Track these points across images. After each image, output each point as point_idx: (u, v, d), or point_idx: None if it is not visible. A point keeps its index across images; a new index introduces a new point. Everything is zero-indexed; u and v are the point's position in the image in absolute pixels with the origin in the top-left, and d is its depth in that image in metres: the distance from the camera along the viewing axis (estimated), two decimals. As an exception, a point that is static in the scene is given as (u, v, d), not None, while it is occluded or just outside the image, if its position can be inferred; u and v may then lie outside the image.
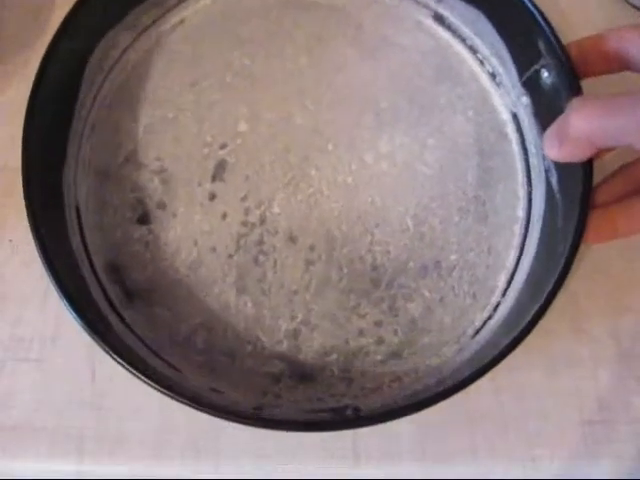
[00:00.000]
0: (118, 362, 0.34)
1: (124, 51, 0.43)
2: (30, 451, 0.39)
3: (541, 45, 0.39)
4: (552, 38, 0.38)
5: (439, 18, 0.45)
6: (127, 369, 0.34)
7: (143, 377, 0.34)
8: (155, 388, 0.34)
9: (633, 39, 0.37)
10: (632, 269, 0.43)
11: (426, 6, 0.45)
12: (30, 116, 0.36)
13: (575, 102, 0.35)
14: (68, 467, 0.39)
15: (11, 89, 0.45)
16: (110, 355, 0.34)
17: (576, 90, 0.37)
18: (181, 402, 0.34)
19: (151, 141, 0.42)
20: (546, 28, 0.38)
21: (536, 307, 0.36)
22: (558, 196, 0.39)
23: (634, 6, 0.47)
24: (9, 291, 0.41)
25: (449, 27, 0.45)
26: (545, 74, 0.39)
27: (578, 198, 0.37)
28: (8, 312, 0.40)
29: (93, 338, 0.34)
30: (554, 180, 0.40)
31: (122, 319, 0.39)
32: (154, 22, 0.43)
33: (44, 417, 0.39)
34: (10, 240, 0.41)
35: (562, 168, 0.39)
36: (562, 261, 0.36)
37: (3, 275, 0.41)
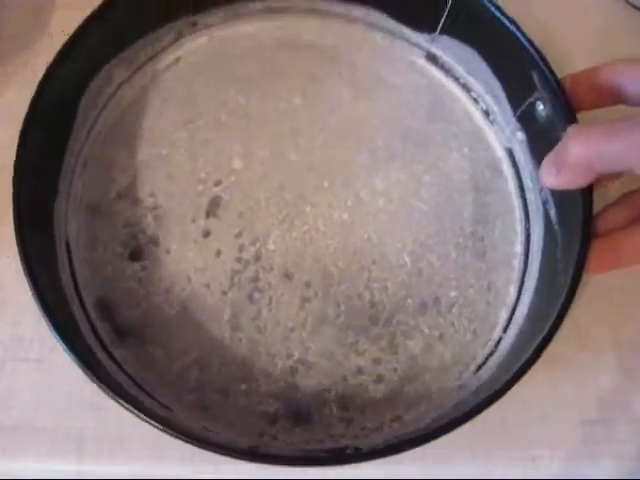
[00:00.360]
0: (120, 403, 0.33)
1: (119, 87, 0.43)
2: (30, 451, 0.38)
3: (535, 77, 0.39)
4: (546, 70, 0.38)
5: (432, 58, 0.45)
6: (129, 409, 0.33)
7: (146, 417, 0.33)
8: (153, 426, 0.33)
9: (628, 73, 0.37)
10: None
11: (419, 46, 0.45)
12: (22, 146, 0.36)
13: (572, 129, 0.35)
14: (68, 467, 0.38)
15: (10, 90, 0.44)
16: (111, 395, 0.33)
17: (572, 121, 0.37)
18: (182, 440, 0.33)
19: (145, 177, 0.42)
20: (540, 60, 0.38)
21: (538, 340, 0.35)
22: (557, 227, 0.39)
23: (634, 6, 0.47)
24: (9, 291, 0.40)
25: (442, 66, 0.45)
26: (540, 107, 0.39)
27: (578, 228, 0.36)
28: (8, 312, 0.40)
29: (88, 375, 0.33)
30: (552, 212, 0.40)
31: (112, 357, 0.38)
32: (150, 59, 0.43)
33: (44, 417, 0.39)
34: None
35: (561, 199, 0.39)
36: (564, 294, 0.35)
37: (2, 275, 0.40)
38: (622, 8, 0.48)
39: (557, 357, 0.40)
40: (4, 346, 0.40)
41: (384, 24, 0.45)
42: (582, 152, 0.34)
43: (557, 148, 0.36)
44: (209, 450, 0.33)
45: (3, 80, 0.44)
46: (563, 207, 0.39)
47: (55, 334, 0.34)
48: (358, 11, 0.45)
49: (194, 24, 0.44)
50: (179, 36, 0.44)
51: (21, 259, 0.35)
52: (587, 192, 0.36)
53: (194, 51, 0.45)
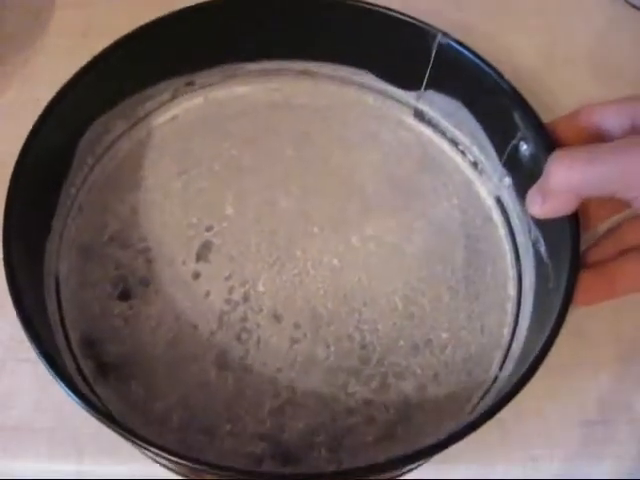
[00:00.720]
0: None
1: (117, 138, 0.44)
2: (30, 451, 0.38)
3: (516, 117, 0.40)
4: (525, 107, 0.39)
5: (419, 114, 0.47)
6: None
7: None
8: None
9: (607, 112, 0.38)
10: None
11: (407, 104, 0.47)
12: (15, 183, 0.36)
13: (555, 155, 0.35)
14: (68, 467, 0.38)
15: (11, 89, 0.45)
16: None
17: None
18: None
19: (137, 222, 0.42)
20: (518, 98, 0.40)
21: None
22: (547, 261, 0.39)
23: (634, 6, 0.48)
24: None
25: (429, 122, 0.47)
26: (524, 147, 0.40)
27: (567, 251, 0.36)
28: (8, 312, 0.38)
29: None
30: (542, 249, 0.40)
31: (95, 394, 0.37)
32: (147, 115, 0.45)
33: (44, 417, 0.39)
34: None
35: (549, 232, 0.39)
36: (553, 319, 0.35)
37: (2, 275, 0.39)
38: (622, 8, 0.50)
39: (557, 357, 0.39)
40: (4, 346, 0.40)
41: (374, 84, 0.47)
42: (566, 177, 0.34)
43: (541, 177, 0.36)
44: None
45: (3, 79, 0.44)
46: (552, 240, 0.39)
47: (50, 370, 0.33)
48: (349, 72, 0.47)
49: (191, 83, 0.46)
50: (176, 94, 0.46)
51: (10, 292, 0.34)
52: (574, 221, 0.36)
53: (190, 110, 0.47)
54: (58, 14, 0.48)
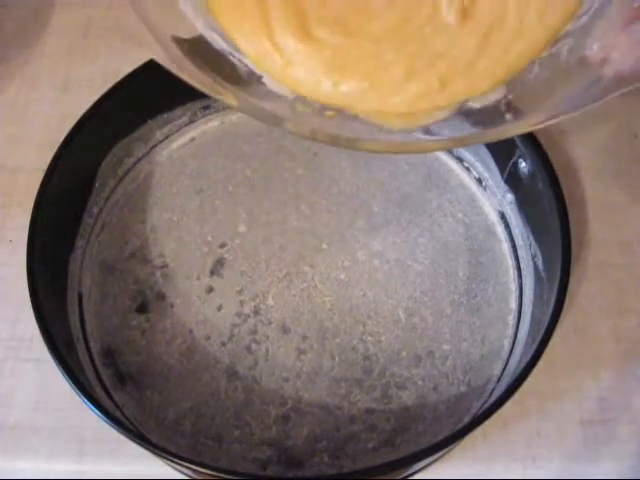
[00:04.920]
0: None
1: (138, 161, 0.47)
2: (30, 451, 0.39)
3: (515, 136, 0.41)
4: (522, 126, 0.41)
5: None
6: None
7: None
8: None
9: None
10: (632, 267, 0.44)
11: (415, 123, 0.49)
12: (39, 204, 0.39)
13: None
14: (68, 467, 0.39)
15: (11, 89, 0.45)
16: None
17: (551, 171, 0.39)
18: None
19: (156, 240, 0.45)
20: (515, 118, 0.41)
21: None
22: (544, 275, 0.40)
23: None
24: (9, 291, 0.42)
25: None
26: (522, 164, 0.42)
27: (558, 269, 0.37)
28: (9, 312, 0.40)
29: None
30: (540, 262, 0.41)
31: (112, 400, 0.40)
32: (166, 138, 0.48)
33: (44, 417, 0.39)
34: (10, 240, 0.42)
35: (547, 249, 0.40)
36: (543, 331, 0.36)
37: (3, 275, 0.42)
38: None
39: (557, 357, 0.41)
40: (4, 346, 0.41)
41: (382, 104, 0.49)
42: None
43: None
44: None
45: (4, 79, 0.45)
46: (548, 253, 0.40)
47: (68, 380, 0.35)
48: (358, 94, 0.49)
49: (207, 107, 0.49)
50: (193, 118, 0.48)
51: (35, 313, 0.37)
52: (567, 232, 0.38)
53: (206, 133, 0.49)
54: (58, 14, 0.48)
